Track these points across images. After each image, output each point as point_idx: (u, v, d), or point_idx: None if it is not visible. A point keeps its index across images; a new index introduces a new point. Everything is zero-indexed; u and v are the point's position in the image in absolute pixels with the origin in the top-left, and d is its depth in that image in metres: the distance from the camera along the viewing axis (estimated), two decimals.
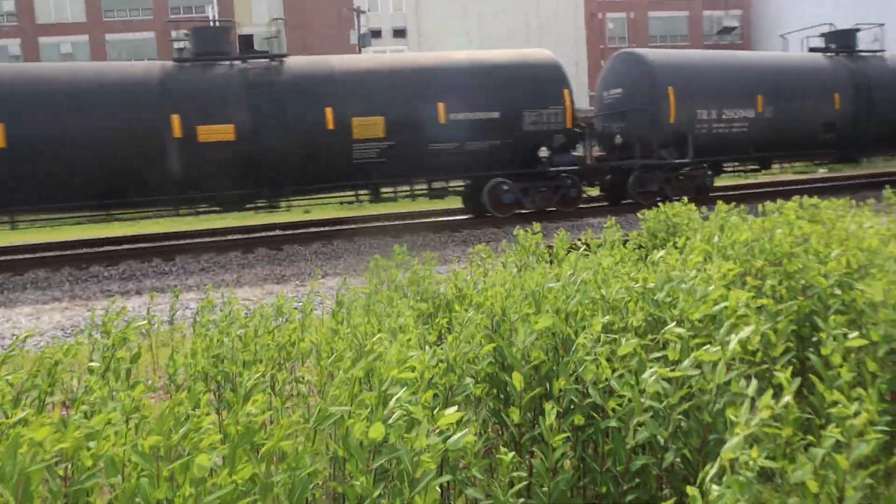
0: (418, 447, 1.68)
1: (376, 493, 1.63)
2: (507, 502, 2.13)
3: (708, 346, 2.38)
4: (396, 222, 17.15)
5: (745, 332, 2.18)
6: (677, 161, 17.05)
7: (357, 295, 4.15)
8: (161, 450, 1.66)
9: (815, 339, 3.22)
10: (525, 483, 2.25)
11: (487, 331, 3.26)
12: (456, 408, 1.82)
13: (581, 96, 31.58)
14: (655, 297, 2.81)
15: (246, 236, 16.51)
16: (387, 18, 54.89)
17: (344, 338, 3.17)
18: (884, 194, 6.19)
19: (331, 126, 14.35)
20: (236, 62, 14.55)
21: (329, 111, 14.34)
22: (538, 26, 54.65)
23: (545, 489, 2.21)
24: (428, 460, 1.68)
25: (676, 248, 4.32)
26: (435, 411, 1.93)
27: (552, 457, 2.04)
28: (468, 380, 2.25)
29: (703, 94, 17.23)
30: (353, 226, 15.30)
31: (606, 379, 2.15)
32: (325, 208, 20.99)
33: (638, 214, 7.36)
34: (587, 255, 5.12)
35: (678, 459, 2.29)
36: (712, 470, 1.97)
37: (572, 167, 16.30)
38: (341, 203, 16.68)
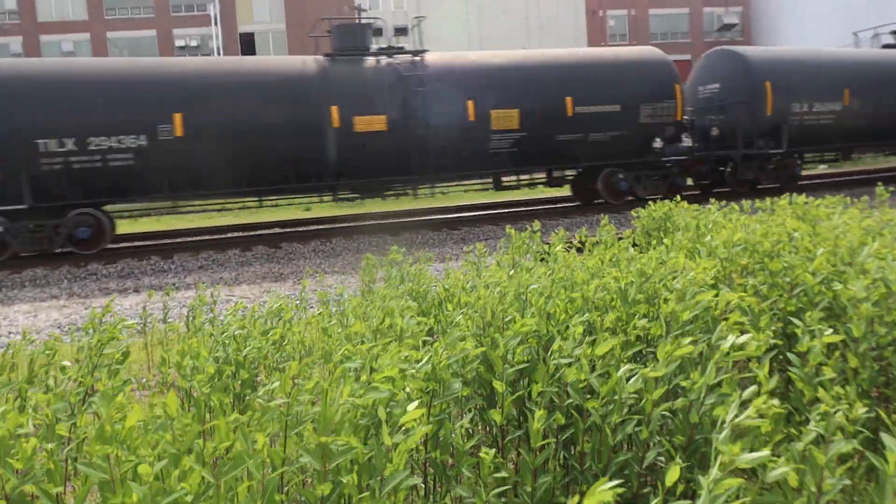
0: (384, 446, 1.69)
1: (334, 495, 1.64)
2: (489, 501, 2.15)
3: (689, 343, 2.40)
4: (395, 220, 17.15)
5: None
6: (773, 151, 18.38)
7: (347, 294, 4.16)
8: (119, 455, 1.66)
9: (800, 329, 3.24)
10: (508, 485, 2.27)
11: (479, 330, 3.29)
12: (417, 403, 1.84)
13: None
14: (630, 297, 2.83)
15: (245, 234, 16.54)
16: (388, 16, 54.84)
17: (336, 338, 3.19)
18: (876, 191, 6.19)
19: (472, 118, 15.46)
20: (382, 57, 15.57)
21: (471, 104, 15.44)
22: (538, 23, 54.60)
23: (528, 489, 2.23)
24: (396, 464, 1.70)
25: (664, 245, 4.33)
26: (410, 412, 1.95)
27: (537, 458, 2.06)
28: (457, 384, 2.26)
29: (797, 88, 18.43)
30: (351, 224, 15.33)
31: (585, 379, 2.17)
32: (323, 207, 21.02)
33: (632, 213, 7.37)
34: (589, 250, 5.15)
35: (661, 458, 2.31)
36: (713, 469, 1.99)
37: (681, 157, 17.74)
38: (462, 191, 18.55)
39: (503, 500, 2.35)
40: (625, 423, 2.08)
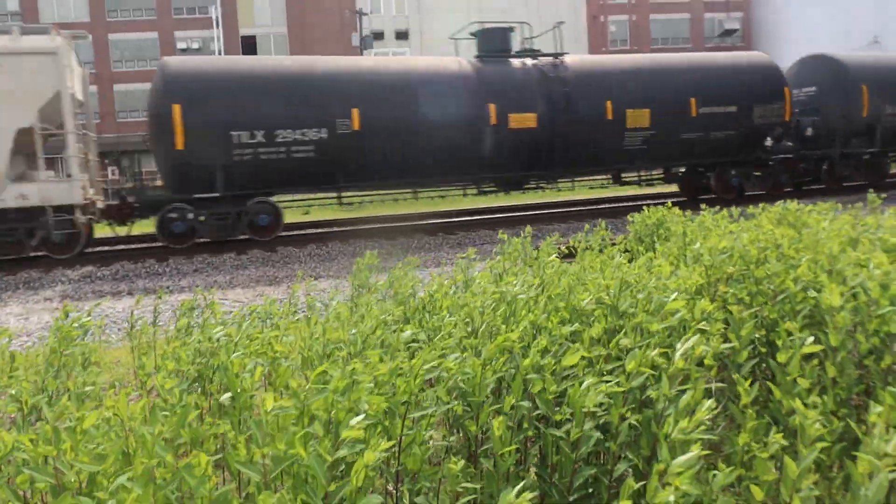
0: (325, 459, 1.66)
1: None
2: None
3: (661, 354, 2.37)
4: (393, 224, 17.12)
5: (690, 342, 2.17)
6: (868, 150, 19.66)
7: (336, 301, 4.13)
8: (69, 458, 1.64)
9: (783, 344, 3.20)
10: (475, 495, 2.24)
11: (465, 337, 3.26)
12: (363, 416, 1.81)
13: None
14: (618, 308, 2.80)
15: (240, 237, 16.47)
16: (389, 20, 54.87)
17: (316, 345, 3.16)
18: (868, 198, 6.16)
19: (609, 116, 16.60)
20: (527, 59, 16.67)
21: (609, 103, 16.58)
22: (539, 29, 54.61)
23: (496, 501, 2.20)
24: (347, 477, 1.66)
25: (653, 252, 4.30)
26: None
27: (499, 466, 2.03)
28: (429, 399, 2.23)
29: (890, 91, 19.67)
30: (348, 228, 15.31)
31: (552, 391, 2.14)
32: (324, 210, 20.98)
33: (628, 217, 7.33)
34: (581, 257, 5.12)
35: (629, 469, 2.28)
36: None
37: (787, 155, 18.90)
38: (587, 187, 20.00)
39: None
40: (587, 437, 2.05)
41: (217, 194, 13.93)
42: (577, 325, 2.75)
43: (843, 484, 2.65)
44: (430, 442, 2.78)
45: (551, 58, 16.75)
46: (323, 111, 14.37)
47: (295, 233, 16.59)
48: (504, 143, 15.76)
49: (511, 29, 17.50)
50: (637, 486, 1.74)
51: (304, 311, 7.64)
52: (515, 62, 16.49)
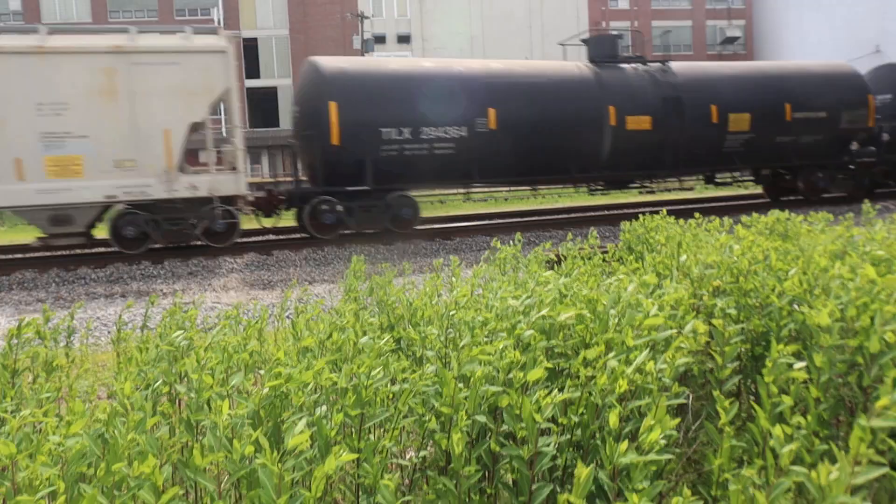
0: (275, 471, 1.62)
1: None
2: None
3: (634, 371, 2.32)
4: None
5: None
6: None
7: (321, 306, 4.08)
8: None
9: (768, 359, 3.15)
10: None
11: (442, 347, 3.20)
12: (304, 425, 1.77)
13: None
14: (598, 322, 2.74)
15: (237, 240, 16.41)
16: (391, 24, 54.86)
17: (289, 353, 3.10)
18: (862, 208, 6.11)
19: (714, 120, 17.61)
20: (638, 64, 17.69)
21: (714, 108, 17.58)
22: (541, 33, 54.65)
23: None
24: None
25: (640, 263, 4.24)
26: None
27: (463, 484, 1.98)
28: (382, 409, 2.19)
29: None
30: (343, 232, 15.24)
31: (517, 404, 2.09)
32: None
33: (622, 224, 7.26)
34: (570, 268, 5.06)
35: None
36: None
37: (870, 160, 19.80)
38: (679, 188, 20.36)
39: None
40: (542, 454, 2.00)
41: (366, 187, 14.83)
42: (553, 340, 2.69)
43: None
44: (404, 457, 2.73)
45: (659, 63, 17.86)
46: (463, 110, 15.30)
47: (292, 236, 16.53)
48: (621, 144, 16.72)
49: (620, 36, 18.63)
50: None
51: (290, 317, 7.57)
52: (628, 67, 17.49)
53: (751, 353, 3.41)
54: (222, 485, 1.84)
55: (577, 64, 17.12)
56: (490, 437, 2.12)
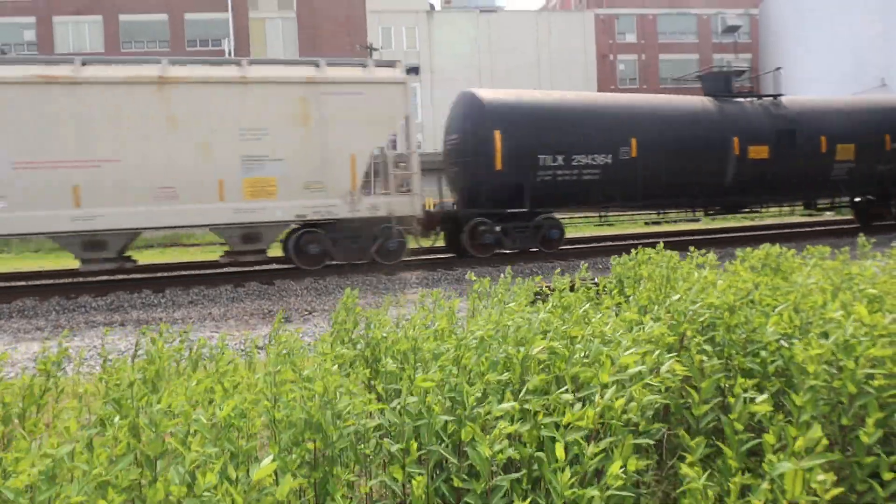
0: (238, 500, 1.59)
1: None
2: None
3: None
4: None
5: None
6: None
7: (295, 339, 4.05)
8: None
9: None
10: None
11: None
12: (271, 458, 1.74)
13: None
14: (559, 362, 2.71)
15: (238, 269, 16.46)
16: (399, 56, 55.38)
17: (254, 385, 3.08)
18: (858, 241, 6.06)
19: (823, 150, 19.10)
20: (753, 98, 19.32)
21: (823, 139, 19.07)
22: (549, 65, 55.03)
23: None
24: None
25: (624, 298, 4.20)
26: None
27: None
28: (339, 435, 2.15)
29: None
30: (345, 261, 15.24)
31: (480, 438, 2.05)
32: None
33: (612, 259, 7.20)
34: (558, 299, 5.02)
35: None
36: None
37: None
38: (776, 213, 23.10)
39: None
40: (496, 489, 1.96)
41: (524, 209, 16.15)
42: (508, 374, 2.65)
43: None
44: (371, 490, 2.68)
45: (771, 98, 19.40)
46: (609, 139, 16.73)
47: (294, 266, 16.52)
48: (742, 172, 18.28)
49: (742, 72, 21.15)
50: None
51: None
52: (745, 101, 19.03)
53: (730, 389, 3.36)
54: None
55: (701, 99, 18.71)
56: (449, 471, 2.08)
